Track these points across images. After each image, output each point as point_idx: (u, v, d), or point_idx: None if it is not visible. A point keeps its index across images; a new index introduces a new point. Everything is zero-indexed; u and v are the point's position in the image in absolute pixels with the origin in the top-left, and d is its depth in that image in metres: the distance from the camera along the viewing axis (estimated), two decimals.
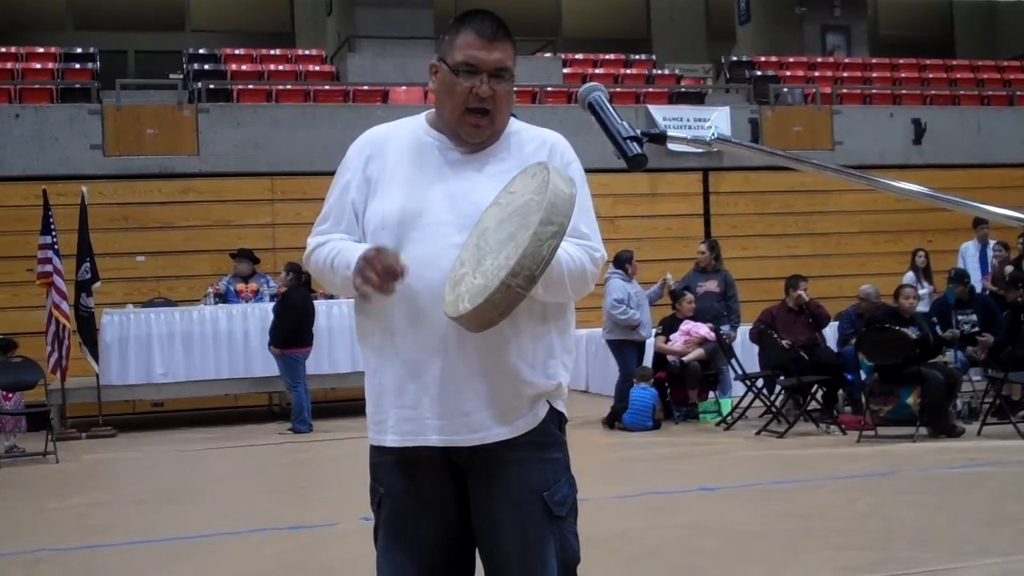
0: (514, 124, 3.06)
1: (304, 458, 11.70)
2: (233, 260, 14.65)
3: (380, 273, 2.78)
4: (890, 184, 2.32)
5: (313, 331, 13.30)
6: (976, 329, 12.41)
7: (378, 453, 2.99)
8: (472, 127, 2.94)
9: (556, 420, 2.97)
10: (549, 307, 2.91)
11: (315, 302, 13.50)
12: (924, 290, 14.67)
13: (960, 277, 13.04)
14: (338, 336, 13.97)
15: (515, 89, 3.04)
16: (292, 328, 13.03)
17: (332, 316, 13.86)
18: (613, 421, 12.32)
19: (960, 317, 12.53)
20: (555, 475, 2.93)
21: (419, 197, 2.91)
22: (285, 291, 13.32)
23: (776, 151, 2.47)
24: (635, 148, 2.45)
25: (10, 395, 11.85)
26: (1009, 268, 14.25)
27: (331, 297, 14.01)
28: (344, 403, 14.04)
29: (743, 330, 13.32)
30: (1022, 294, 12.58)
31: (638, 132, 2.48)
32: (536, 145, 3.02)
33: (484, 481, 2.91)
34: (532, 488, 2.88)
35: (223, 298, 14.34)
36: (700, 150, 2.65)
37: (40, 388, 12.28)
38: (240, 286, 14.45)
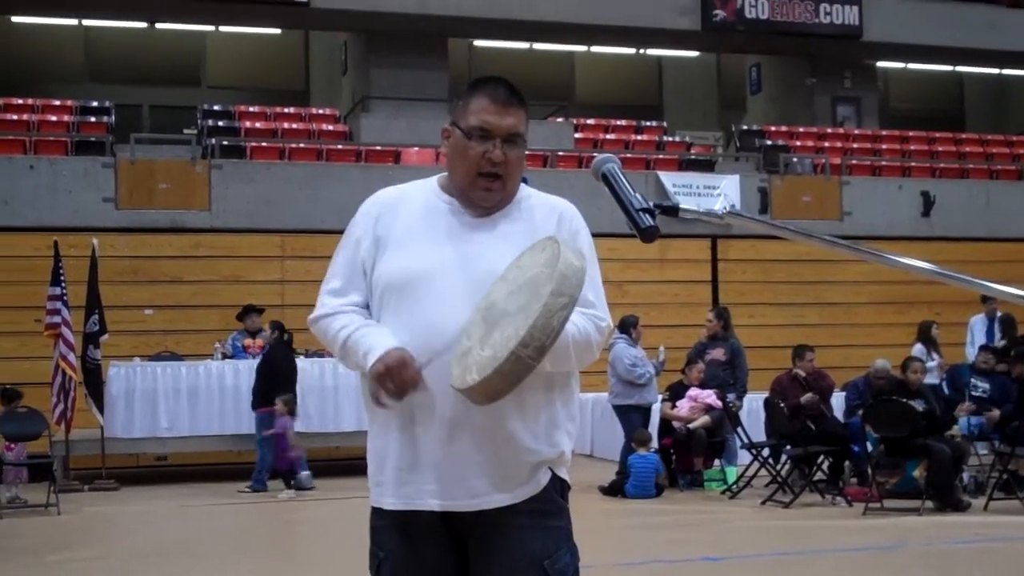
0: (525, 190, 3.07)
1: (306, 517, 11.65)
2: (242, 322, 14.61)
3: (398, 386, 2.80)
4: (898, 260, 2.32)
5: (297, 390, 13.16)
6: (986, 396, 12.41)
7: (378, 516, 2.98)
8: (484, 191, 2.96)
9: (558, 487, 2.95)
10: (554, 375, 2.90)
11: (309, 359, 13.55)
12: (933, 363, 14.63)
13: (992, 349, 13.30)
14: (343, 394, 13.91)
15: (526, 153, 3.06)
16: (273, 387, 12.89)
17: (339, 375, 13.82)
18: (615, 492, 12.20)
19: (974, 380, 12.58)
20: (556, 543, 2.91)
21: (430, 260, 2.92)
22: (267, 350, 13.28)
23: (787, 226, 2.48)
24: (647, 220, 2.45)
25: (13, 445, 11.83)
26: (1001, 342, 14.33)
27: (317, 355, 13.96)
28: (348, 462, 13.97)
29: (749, 398, 13.27)
30: None
31: (651, 204, 2.49)
32: (546, 212, 3.03)
33: (484, 548, 2.89)
34: (533, 556, 2.86)
35: (230, 359, 14.32)
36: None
37: (44, 439, 12.26)
38: (248, 341, 14.45)
